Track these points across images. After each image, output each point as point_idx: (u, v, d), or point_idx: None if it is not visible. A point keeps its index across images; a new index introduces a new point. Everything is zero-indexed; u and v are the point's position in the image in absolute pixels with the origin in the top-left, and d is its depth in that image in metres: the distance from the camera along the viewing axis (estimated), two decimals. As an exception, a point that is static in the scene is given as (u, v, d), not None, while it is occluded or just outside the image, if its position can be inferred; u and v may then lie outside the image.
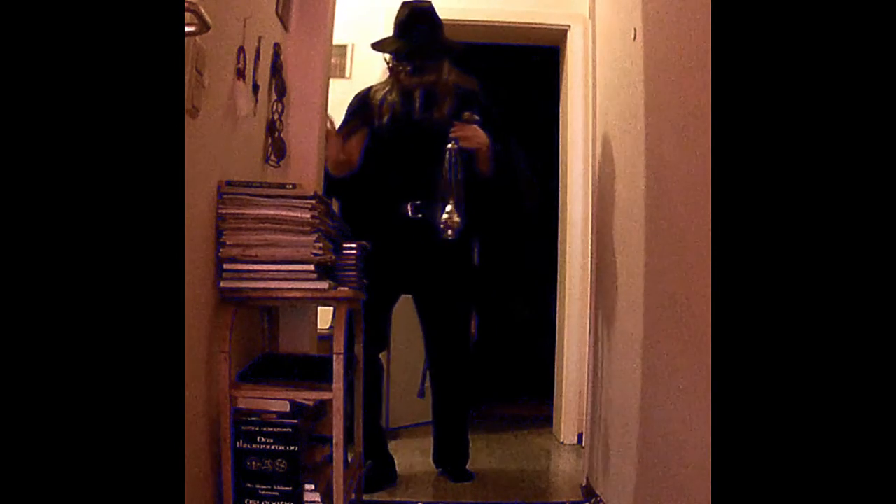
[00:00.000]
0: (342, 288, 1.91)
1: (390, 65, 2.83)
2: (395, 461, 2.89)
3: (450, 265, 2.78)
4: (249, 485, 1.72)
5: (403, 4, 2.82)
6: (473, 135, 2.67)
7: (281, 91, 2.21)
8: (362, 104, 2.84)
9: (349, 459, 1.99)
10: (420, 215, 2.72)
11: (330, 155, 2.64)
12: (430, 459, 2.97)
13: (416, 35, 2.75)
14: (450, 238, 2.55)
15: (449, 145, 2.59)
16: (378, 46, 2.85)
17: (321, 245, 1.77)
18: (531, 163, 2.91)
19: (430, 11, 2.81)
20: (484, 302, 3.02)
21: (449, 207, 2.54)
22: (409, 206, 2.74)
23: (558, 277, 3.82)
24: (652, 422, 1.87)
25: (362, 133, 2.78)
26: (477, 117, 2.68)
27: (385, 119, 2.77)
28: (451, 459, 2.89)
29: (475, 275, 2.92)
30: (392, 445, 3.06)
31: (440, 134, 2.63)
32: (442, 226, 2.54)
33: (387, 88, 2.82)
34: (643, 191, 1.96)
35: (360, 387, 2.20)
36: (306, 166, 2.40)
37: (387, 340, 3.03)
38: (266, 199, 1.76)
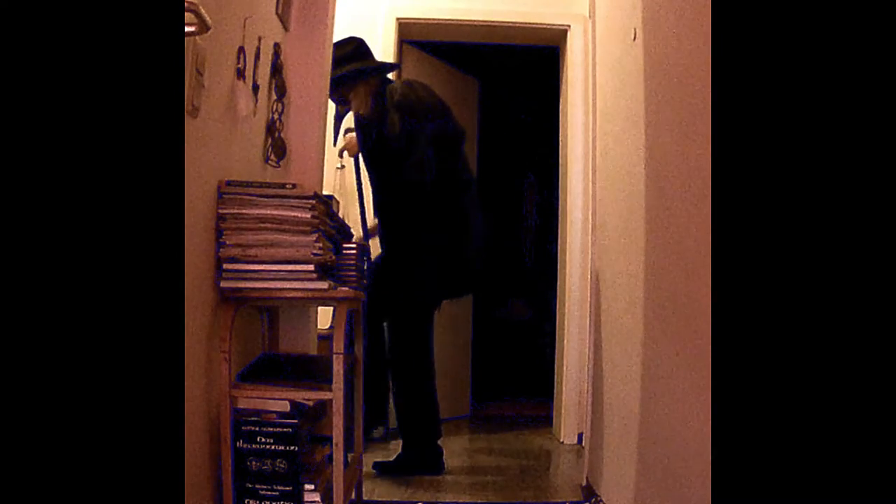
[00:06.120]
0: (342, 288, 1.91)
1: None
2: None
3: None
4: (249, 485, 1.72)
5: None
6: (349, 146, 3.21)
7: (281, 91, 2.21)
8: None
9: (349, 459, 2.00)
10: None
11: None
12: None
13: (338, 67, 2.84)
14: None
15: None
16: None
17: (321, 245, 1.77)
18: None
19: (348, 44, 2.95)
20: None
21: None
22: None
23: (558, 277, 3.83)
24: (652, 422, 1.87)
25: None
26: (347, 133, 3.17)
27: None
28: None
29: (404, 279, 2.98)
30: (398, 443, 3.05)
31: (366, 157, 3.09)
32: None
33: None
34: (643, 191, 1.95)
35: (360, 386, 2.20)
36: (306, 166, 2.40)
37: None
38: (266, 199, 1.76)
